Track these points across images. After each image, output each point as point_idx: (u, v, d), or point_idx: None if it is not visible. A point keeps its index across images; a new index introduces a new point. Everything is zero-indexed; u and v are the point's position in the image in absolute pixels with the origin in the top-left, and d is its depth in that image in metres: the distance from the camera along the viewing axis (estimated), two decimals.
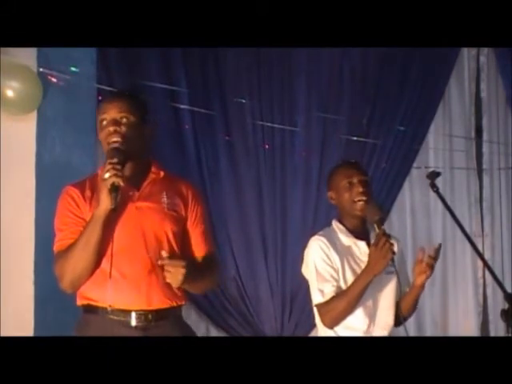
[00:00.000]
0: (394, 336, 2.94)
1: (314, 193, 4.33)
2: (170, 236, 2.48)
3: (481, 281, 4.80)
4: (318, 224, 3.79)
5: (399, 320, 2.92)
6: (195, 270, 2.47)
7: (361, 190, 2.88)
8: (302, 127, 4.43)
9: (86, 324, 2.46)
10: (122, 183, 2.32)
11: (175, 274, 2.38)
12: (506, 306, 2.49)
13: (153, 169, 2.55)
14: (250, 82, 4.38)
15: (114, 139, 2.42)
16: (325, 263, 2.83)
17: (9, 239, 3.46)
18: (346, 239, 2.91)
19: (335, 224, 2.96)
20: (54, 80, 3.58)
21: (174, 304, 2.48)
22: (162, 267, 2.41)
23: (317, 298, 2.83)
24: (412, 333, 4.55)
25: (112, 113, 2.46)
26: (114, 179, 2.31)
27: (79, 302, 2.50)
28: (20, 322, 3.41)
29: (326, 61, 4.49)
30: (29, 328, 3.41)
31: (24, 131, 3.54)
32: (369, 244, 2.90)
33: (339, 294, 2.79)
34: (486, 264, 2.94)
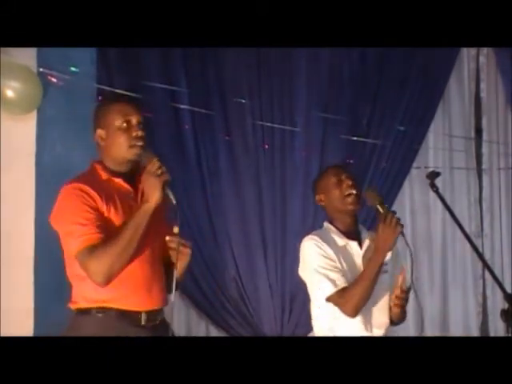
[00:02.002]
0: (393, 336, 2.95)
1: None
2: (161, 236, 2.51)
3: (480, 281, 4.81)
4: (317, 224, 3.77)
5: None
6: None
7: (350, 183, 2.90)
8: (301, 127, 4.43)
9: (88, 325, 2.44)
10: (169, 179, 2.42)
11: (182, 254, 2.46)
12: (506, 306, 2.49)
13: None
14: (250, 81, 4.38)
15: (141, 143, 2.49)
16: (324, 257, 2.83)
17: (9, 239, 3.46)
18: (339, 239, 2.91)
19: (327, 225, 2.98)
20: (53, 80, 3.58)
21: (165, 304, 2.55)
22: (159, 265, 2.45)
23: (328, 290, 2.80)
24: (412, 333, 4.56)
25: (138, 116, 2.52)
26: (167, 176, 2.41)
27: (84, 305, 2.47)
28: (20, 322, 3.41)
29: (326, 61, 4.49)
30: (29, 328, 3.41)
31: (24, 131, 3.54)
32: (360, 244, 2.92)
33: (354, 281, 2.79)
34: (485, 264, 2.94)
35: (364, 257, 2.89)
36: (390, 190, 4.60)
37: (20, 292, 3.46)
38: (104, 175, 2.52)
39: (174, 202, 2.41)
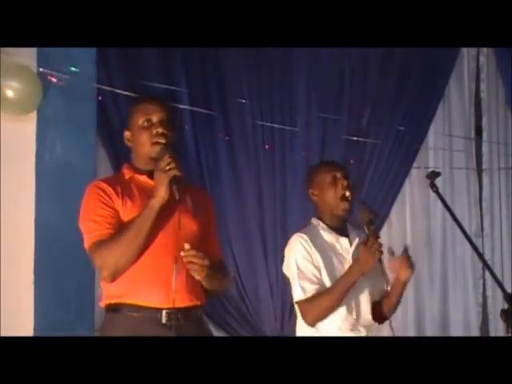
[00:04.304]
0: (393, 336, 2.95)
1: None
2: (192, 237, 2.51)
3: (481, 281, 4.81)
4: None
5: (382, 318, 2.93)
6: (214, 267, 2.50)
7: (345, 184, 2.91)
8: (301, 127, 4.43)
9: (113, 323, 2.47)
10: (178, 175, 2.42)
11: (199, 266, 2.42)
12: (506, 306, 2.49)
13: None
14: (250, 82, 4.38)
15: (163, 141, 2.51)
16: (306, 261, 2.85)
17: (9, 239, 3.46)
18: (328, 236, 2.92)
19: (316, 221, 2.97)
20: (53, 80, 3.57)
21: (198, 303, 2.53)
22: (184, 262, 2.43)
23: (298, 295, 2.84)
24: (412, 333, 4.56)
25: (160, 114, 2.55)
26: (175, 172, 2.41)
27: (106, 301, 2.49)
28: (20, 322, 3.41)
29: (326, 61, 4.49)
30: (29, 328, 3.41)
31: (24, 131, 3.53)
32: (350, 241, 2.92)
33: (324, 291, 2.80)
34: (485, 264, 2.95)
35: (353, 254, 2.89)
36: (390, 190, 4.60)
37: (20, 292, 3.45)
38: (128, 174, 2.57)
39: (177, 197, 2.42)
